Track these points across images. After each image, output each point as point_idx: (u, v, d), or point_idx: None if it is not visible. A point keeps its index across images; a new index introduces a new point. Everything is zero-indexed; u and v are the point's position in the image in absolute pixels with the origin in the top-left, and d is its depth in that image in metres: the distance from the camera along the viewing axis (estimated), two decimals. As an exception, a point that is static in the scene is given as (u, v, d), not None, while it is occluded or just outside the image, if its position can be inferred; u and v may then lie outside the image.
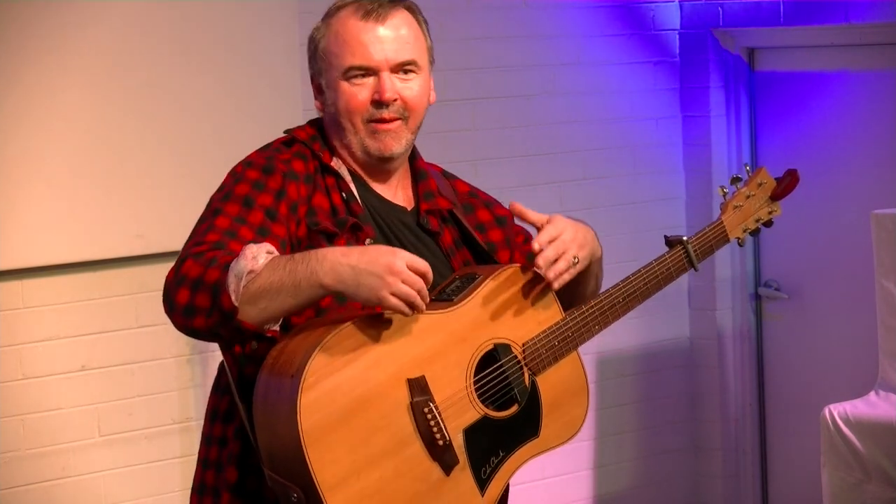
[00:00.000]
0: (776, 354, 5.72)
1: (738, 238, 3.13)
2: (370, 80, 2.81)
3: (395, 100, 2.81)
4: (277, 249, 2.64)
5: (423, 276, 2.60)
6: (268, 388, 2.63)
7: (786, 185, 3.18)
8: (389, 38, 2.81)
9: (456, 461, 2.70)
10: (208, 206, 2.75)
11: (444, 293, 2.80)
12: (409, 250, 2.79)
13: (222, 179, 2.79)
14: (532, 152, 5.38)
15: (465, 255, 2.94)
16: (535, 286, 2.84)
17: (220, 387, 2.83)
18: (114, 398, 4.57)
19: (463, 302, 2.76)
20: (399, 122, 2.83)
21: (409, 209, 2.90)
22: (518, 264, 2.86)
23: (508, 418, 2.79)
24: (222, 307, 2.56)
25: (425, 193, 2.92)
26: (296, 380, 2.56)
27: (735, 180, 3.15)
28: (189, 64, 4.63)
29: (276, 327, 2.64)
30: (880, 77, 5.27)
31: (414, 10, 2.87)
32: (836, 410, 4.63)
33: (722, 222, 3.10)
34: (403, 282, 2.58)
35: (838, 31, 5.27)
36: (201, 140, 4.62)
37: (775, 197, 3.19)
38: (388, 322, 2.66)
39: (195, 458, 2.88)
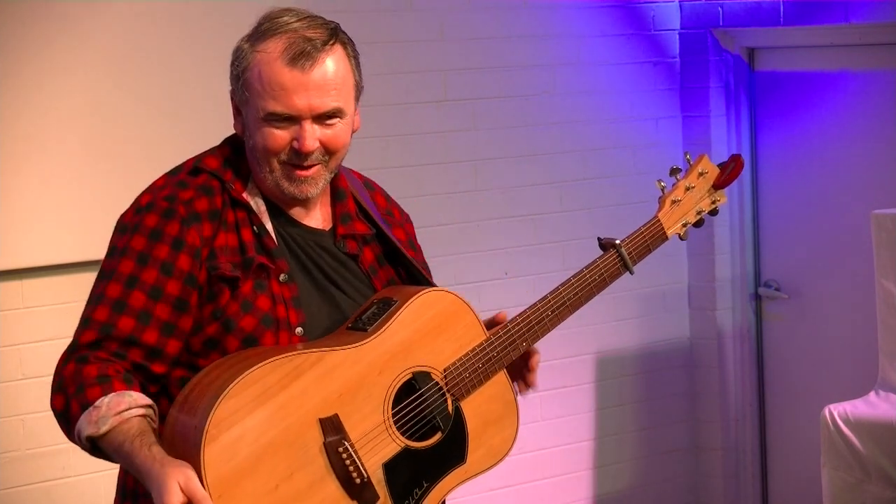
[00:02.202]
0: (776, 354, 5.72)
1: (679, 234, 3.04)
2: (291, 126, 2.68)
3: (316, 148, 2.70)
4: (167, 316, 2.63)
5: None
6: (175, 430, 2.59)
7: (730, 172, 3.02)
8: (315, 86, 2.66)
9: (376, 497, 2.64)
10: (107, 254, 2.70)
11: (359, 321, 2.73)
12: (328, 274, 2.76)
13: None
14: (532, 152, 5.38)
15: (389, 272, 2.86)
16: (456, 308, 2.79)
17: None
18: (114, 398, 4.56)
19: (378, 332, 2.69)
20: (318, 167, 2.72)
21: (327, 230, 2.81)
22: (437, 288, 2.81)
23: (431, 447, 2.73)
24: (77, 441, 2.60)
25: (342, 216, 2.82)
26: (198, 431, 2.51)
27: (674, 171, 3.04)
28: (189, 64, 4.63)
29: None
30: (880, 77, 5.27)
31: (346, 45, 2.73)
32: (836, 410, 4.63)
33: (658, 220, 3.03)
34: None
35: (838, 31, 5.27)
36: (201, 140, 4.59)
37: (718, 185, 3.05)
38: (298, 363, 2.60)
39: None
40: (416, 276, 2.88)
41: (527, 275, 5.35)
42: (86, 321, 2.67)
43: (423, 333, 2.74)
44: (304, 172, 2.71)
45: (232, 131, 2.82)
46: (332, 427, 2.61)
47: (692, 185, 3.04)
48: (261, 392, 2.55)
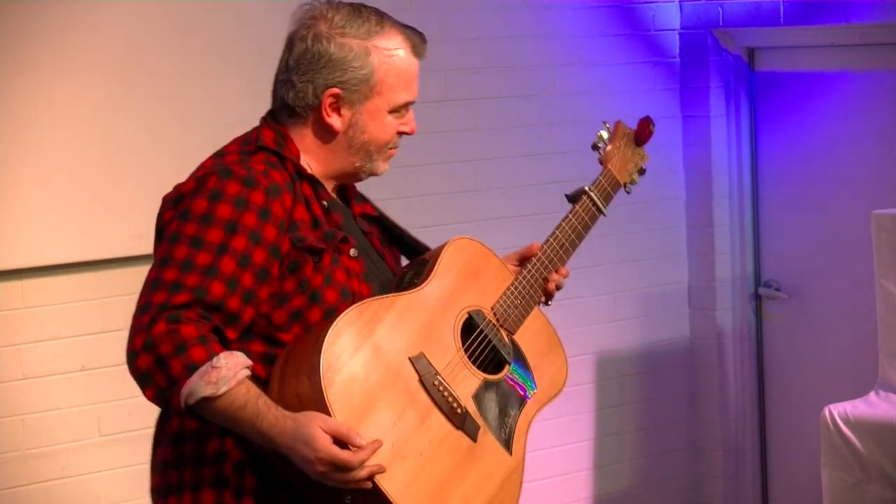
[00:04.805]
0: (776, 354, 5.72)
1: (627, 182, 3.31)
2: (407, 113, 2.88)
3: None
4: (255, 300, 2.65)
5: (344, 439, 2.58)
6: (285, 397, 2.64)
7: (644, 130, 3.47)
8: None
9: (477, 426, 2.77)
10: (180, 217, 2.68)
11: (402, 283, 2.84)
12: (366, 250, 2.84)
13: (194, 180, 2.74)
14: (532, 152, 5.38)
15: (395, 253, 2.98)
16: (484, 252, 2.95)
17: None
18: (114, 398, 4.56)
19: (427, 281, 2.81)
20: None
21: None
22: (461, 236, 2.95)
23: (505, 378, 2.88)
24: (170, 403, 2.56)
25: (356, 196, 2.94)
26: (314, 380, 2.60)
27: (597, 143, 3.36)
28: (190, 65, 4.63)
29: None
30: (880, 77, 5.27)
31: None
32: (836, 410, 4.63)
33: (609, 169, 3.28)
34: (331, 461, 2.55)
35: (838, 31, 5.27)
36: (202, 140, 4.60)
37: (638, 142, 3.44)
38: (376, 308, 2.71)
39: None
40: (418, 250, 2.98)
41: (527, 275, 5.34)
42: (175, 285, 2.60)
43: (464, 277, 2.88)
44: (395, 152, 2.87)
45: (236, 129, 2.88)
46: (422, 364, 2.72)
47: (621, 144, 3.38)
48: (354, 337, 2.66)
